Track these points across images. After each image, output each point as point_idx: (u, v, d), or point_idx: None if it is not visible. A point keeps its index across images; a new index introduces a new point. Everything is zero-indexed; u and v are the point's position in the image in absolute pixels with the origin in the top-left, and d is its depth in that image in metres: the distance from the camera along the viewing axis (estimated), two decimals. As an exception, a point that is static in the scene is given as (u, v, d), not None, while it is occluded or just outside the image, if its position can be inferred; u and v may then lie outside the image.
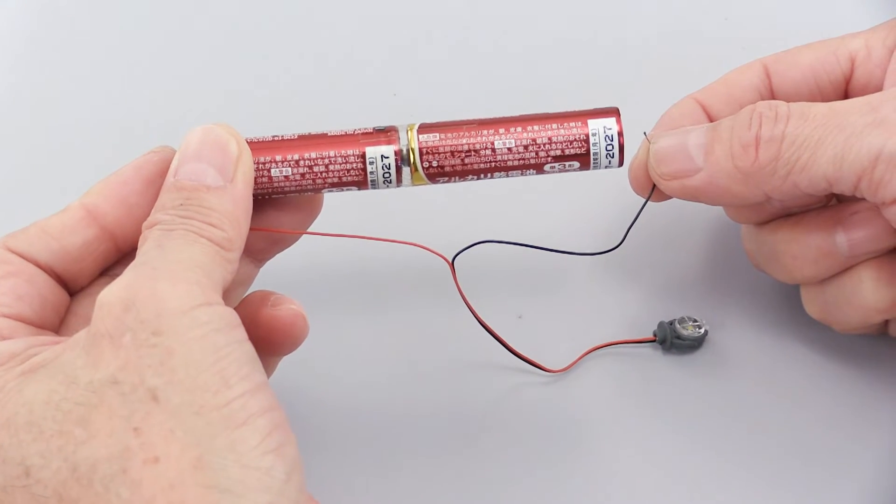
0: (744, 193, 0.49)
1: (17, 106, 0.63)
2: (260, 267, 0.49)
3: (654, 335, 0.54)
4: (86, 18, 0.66)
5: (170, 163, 0.44)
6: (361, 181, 0.47)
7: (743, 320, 0.55)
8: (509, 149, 0.47)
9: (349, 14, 0.66)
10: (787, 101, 0.49)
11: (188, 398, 0.38)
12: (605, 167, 0.48)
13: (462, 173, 0.47)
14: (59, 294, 0.45)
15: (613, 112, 0.47)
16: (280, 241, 0.49)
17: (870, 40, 0.52)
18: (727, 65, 0.54)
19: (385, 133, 0.47)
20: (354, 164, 0.46)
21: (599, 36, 0.65)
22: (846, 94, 0.53)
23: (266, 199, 0.47)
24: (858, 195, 0.47)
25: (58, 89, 0.64)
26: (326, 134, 0.47)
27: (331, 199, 0.49)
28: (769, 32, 0.63)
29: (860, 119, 0.46)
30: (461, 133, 0.47)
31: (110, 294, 0.39)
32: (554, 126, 0.47)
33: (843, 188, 0.47)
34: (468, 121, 0.47)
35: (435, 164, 0.47)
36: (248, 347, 0.40)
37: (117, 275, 0.41)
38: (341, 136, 0.47)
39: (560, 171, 0.48)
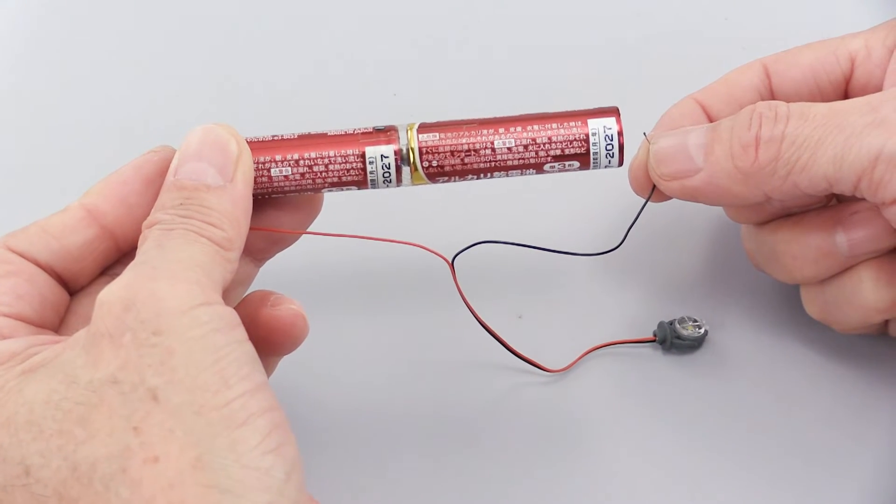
0: (744, 194, 0.49)
1: (17, 106, 0.63)
2: (260, 266, 0.49)
3: (654, 335, 0.54)
4: (86, 18, 0.66)
5: (170, 162, 0.44)
6: (361, 181, 0.47)
7: (743, 320, 0.55)
8: (509, 148, 0.47)
9: (349, 14, 0.66)
10: (787, 101, 0.49)
11: (188, 398, 0.38)
12: (605, 167, 0.48)
13: (462, 173, 0.47)
14: (59, 293, 0.45)
15: (613, 112, 0.47)
16: (280, 241, 0.49)
17: (869, 40, 0.52)
18: (727, 65, 0.54)
19: (385, 133, 0.47)
20: (354, 164, 0.46)
21: (599, 36, 0.65)
22: (846, 94, 0.53)
23: (266, 198, 0.47)
24: (858, 195, 0.47)
25: (58, 89, 0.64)
26: (326, 134, 0.47)
27: (331, 198, 0.49)
28: (769, 32, 0.63)
29: (860, 119, 0.46)
30: (461, 133, 0.47)
31: (110, 293, 0.39)
32: (554, 126, 0.47)
33: (843, 188, 0.47)
34: (468, 120, 0.47)
35: (435, 163, 0.47)
36: (248, 347, 0.40)
37: (117, 274, 0.41)
38: (341, 135, 0.47)
39: (560, 170, 0.48)
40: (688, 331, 0.54)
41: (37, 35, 0.66)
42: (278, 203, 0.48)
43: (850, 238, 0.50)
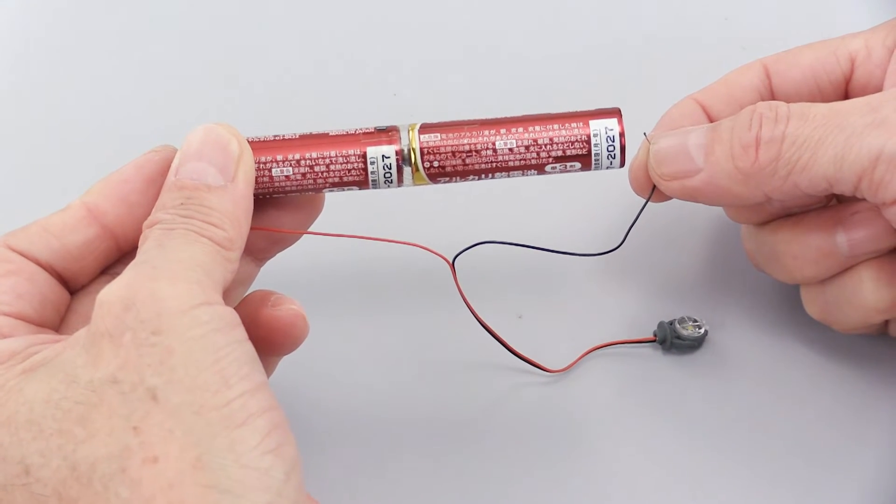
0: (744, 194, 0.49)
1: (17, 106, 0.63)
2: (260, 266, 0.49)
3: (654, 335, 0.54)
4: (86, 18, 0.66)
5: (171, 162, 0.44)
6: (362, 181, 0.47)
7: (743, 320, 0.55)
8: (510, 149, 0.47)
9: (350, 14, 0.66)
10: (788, 101, 0.49)
11: (188, 398, 0.38)
12: (607, 168, 0.48)
13: (463, 173, 0.47)
14: (60, 292, 0.45)
15: (615, 113, 0.47)
16: (281, 241, 0.49)
17: (870, 40, 0.52)
18: (727, 65, 0.54)
19: (386, 133, 0.47)
20: (355, 164, 0.46)
21: (600, 36, 0.65)
22: (846, 95, 0.53)
23: (267, 198, 0.47)
24: (859, 195, 0.47)
25: (58, 89, 0.64)
26: (327, 134, 0.47)
27: (331, 198, 0.49)
28: (769, 32, 0.63)
29: (860, 119, 0.46)
30: (462, 133, 0.47)
31: (110, 293, 0.39)
32: (555, 126, 0.47)
33: (844, 188, 0.47)
34: (469, 121, 0.47)
35: (436, 164, 0.47)
36: (248, 347, 0.40)
37: (118, 273, 0.41)
38: (342, 135, 0.47)
39: (561, 171, 0.48)
40: (688, 331, 0.54)
41: (37, 35, 0.66)
42: (279, 203, 0.48)
43: (850, 238, 0.50)
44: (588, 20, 0.66)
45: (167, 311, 0.39)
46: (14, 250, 0.44)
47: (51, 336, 0.43)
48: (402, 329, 0.55)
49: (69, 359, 0.39)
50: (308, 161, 0.46)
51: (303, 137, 0.47)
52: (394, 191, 0.48)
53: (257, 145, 0.46)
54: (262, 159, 0.46)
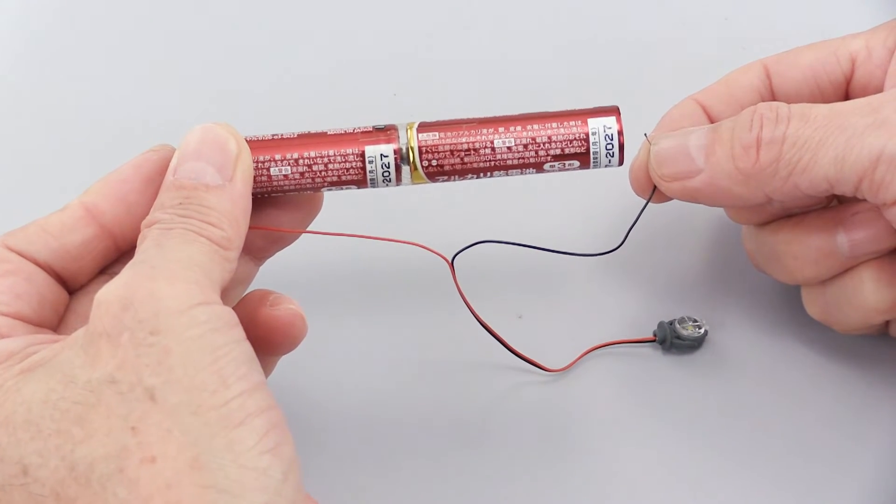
0: (745, 195, 0.49)
1: (17, 106, 0.63)
2: (259, 266, 0.49)
3: (654, 335, 0.54)
4: (86, 18, 0.66)
5: (169, 161, 0.44)
6: (361, 180, 0.47)
7: (743, 320, 0.55)
8: (509, 148, 0.47)
9: (349, 13, 0.66)
10: (788, 101, 0.49)
11: (186, 398, 0.38)
12: (605, 166, 0.47)
13: (462, 172, 0.47)
14: (58, 292, 0.45)
15: (613, 111, 0.47)
16: (279, 240, 0.49)
17: (870, 41, 0.52)
18: (727, 65, 0.54)
19: (384, 132, 0.47)
20: (354, 163, 0.46)
21: (599, 36, 0.65)
22: (847, 95, 0.53)
23: (265, 197, 0.47)
24: (859, 196, 0.47)
25: (58, 89, 0.64)
26: (326, 133, 0.47)
27: (330, 197, 0.49)
28: (769, 32, 0.63)
29: (861, 120, 0.46)
30: (461, 132, 0.47)
31: (108, 293, 0.39)
32: (554, 125, 0.47)
33: (844, 189, 0.47)
34: (468, 119, 0.47)
35: (434, 162, 0.47)
36: (247, 347, 0.40)
37: (116, 273, 0.41)
38: (341, 134, 0.47)
39: (560, 170, 0.48)
40: (688, 331, 0.54)
41: (37, 35, 0.66)
42: (278, 202, 0.48)
43: (851, 239, 0.50)
44: (588, 20, 0.66)
45: (165, 310, 0.39)
46: (12, 250, 0.44)
47: (49, 336, 0.43)
48: (401, 329, 0.55)
49: (67, 359, 0.39)
50: (306, 160, 0.46)
51: (301, 137, 0.47)
52: (392, 190, 0.48)
53: (256, 144, 0.46)
54: (261, 158, 0.46)
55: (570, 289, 0.56)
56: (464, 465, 0.52)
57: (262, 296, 0.45)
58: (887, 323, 0.52)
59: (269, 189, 0.47)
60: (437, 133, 0.47)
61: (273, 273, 0.50)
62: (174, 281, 0.39)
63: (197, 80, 0.64)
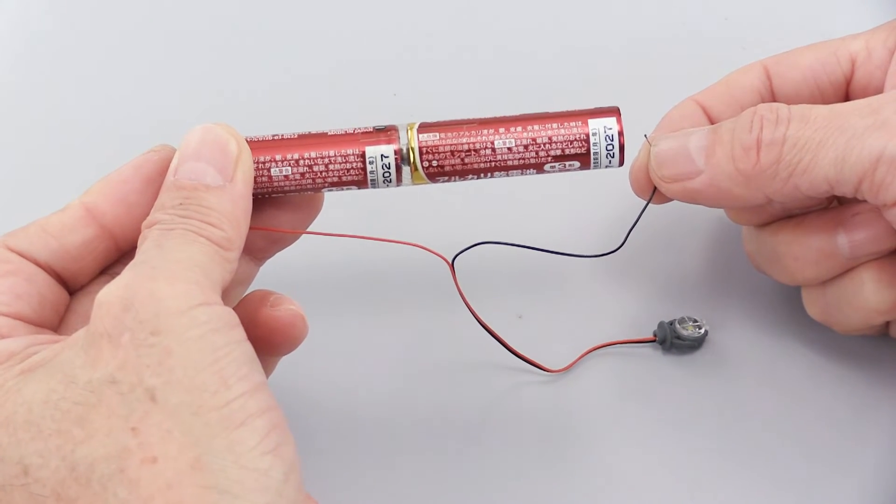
0: (745, 196, 0.49)
1: (17, 106, 0.63)
2: (260, 266, 0.49)
3: (654, 335, 0.54)
4: (86, 18, 0.66)
5: (169, 162, 0.44)
6: (361, 180, 0.47)
7: (743, 321, 0.55)
8: (509, 148, 0.47)
9: (349, 13, 0.66)
10: (788, 102, 0.49)
11: (186, 398, 0.38)
12: (606, 167, 0.47)
13: (462, 173, 0.47)
14: (59, 293, 0.45)
15: (614, 111, 0.47)
16: (280, 241, 0.49)
17: (870, 41, 0.52)
18: (727, 65, 0.54)
19: (385, 132, 0.47)
20: (354, 164, 0.46)
21: (599, 36, 0.65)
22: (847, 96, 0.53)
23: (266, 198, 0.47)
24: (860, 197, 0.47)
25: (58, 89, 0.64)
26: (326, 133, 0.47)
27: (331, 198, 0.49)
28: (769, 32, 0.63)
29: (861, 121, 0.46)
30: (461, 132, 0.47)
31: (109, 293, 0.39)
32: (554, 125, 0.47)
33: (845, 190, 0.47)
34: (468, 120, 0.47)
35: (435, 163, 0.47)
36: (247, 347, 0.40)
37: (117, 273, 0.41)
38: (341, 135, 0.47)
39: (560, 170, 0.48)
40: (688, 331, 0.54)
41: (37, 35, 0.66)
42: (278, 202, 0.48)
43: (851, 239, 0.50)
44: (587, 20, 0.66)
45: (166, 311, 0.39)
46: (13, 250, 0.44)
47: (50, 336, 0.43)
48: (401, 329, 0.55)
49: (68, 359, 0.39)
50: (307, 161, 0.46)
51: (301, 137, 0.47)
52: (393, 190, 0.48)
53: (256, 145, 0.46)
54: (261, 159, 0.46)
55: (570, 289, 0.56)
56: (463, 465, 0.52)
57: (263, 296, 0.45)
58: (887, 323, 0.52)
59: (270, 189, 0.47)
60: (437, 134, 0.47)
61: (273, 273, 0.50)
62: (175, 281, 0.39)
63: (197, 80, 0.64)
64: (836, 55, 0.52)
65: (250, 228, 0.44)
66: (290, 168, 0.46)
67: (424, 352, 0.54)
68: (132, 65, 0.65)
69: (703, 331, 0.54)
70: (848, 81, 0.53)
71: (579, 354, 0.54)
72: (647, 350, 0.54)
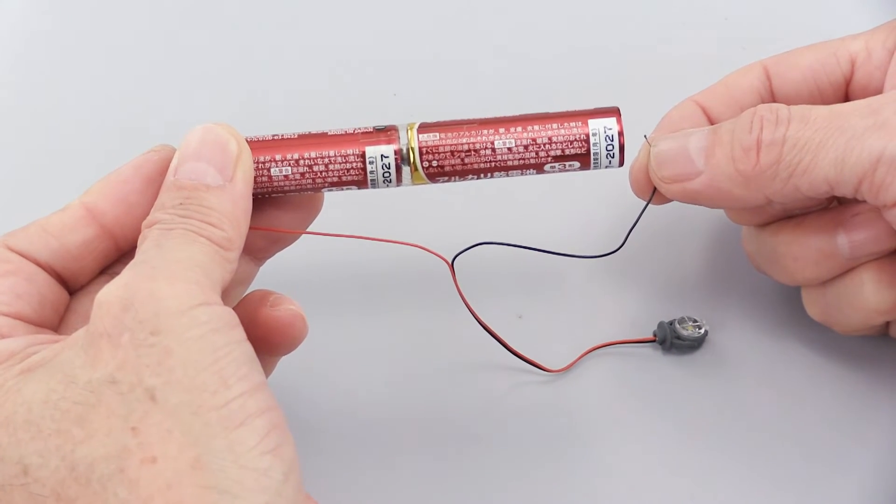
0: (745, 196, 0.49)
1: (17, 106, 0.63)
2: (260, 266, 0.49)
3: (654, 335, 0.54)
4: (86, 18, 0.66)
5: (170, 162, 0.44)
6: (361, 180, 0.47)
7: (743, 321, 0.55)
8: (509, 148, 0.47)
9: (349, 13, 0.66)
10: (788, 102, 0.49)
11: (186, 398, 0.38)
12: (606, 167, 0.47)
13: (462, 173, 0.47)
14: (59, 292, 0.45)
15: (614, 112, 0.47)
16: (280, 240, 0.49)
17: (870, 42, 0.52)
18: (727, 65, 0.54)
19: (385, 132, 0.47)
20: (354, 164, 0.46)
21: (599, 36, 0.65)
22: (846, 96, 0.53)
23: (266, 198, 0.47)
24: (859, 197, 0.47)
25: (58, 89, 0.64)
26: (326, 133, 0.47)
27: (331, 198, 0.49)
28: (769, 32, 0.63)
29: (861, 122, 0.46)
30: (461, 133, 0.47)
31: (109, 293, 0.39)
32: (554, 126, 0.47)
33: (845, 191, 0.47)
34: (468, 120, 0.47)
35: (435, 163, 0.47)
36: (247, 347, 0.40)
37: (117, 273, 0.41)
38: (341, 135, 0.47)
39: (560, 170, 0.48)
40: (688, 331, 0.54)
41: (37, 35, 0.66)
42: (278, 202, 0.48)
43: (851, 240, 0.50)
44: (587, 20, 0.66)
45: (165, 311, 0.39)
46: (13, 250, 0.44)
47: (50, 336, 0.43)
48: (401, 329, 0.55)
49: (68, 359, 0.39)
50: (307, 161, 0.46)
51: (301, 137, 0.47)
52: (393, 190, 0.48)
53: (256, 145, 0.46)
54: (261, 159, 0.46)
55: (570, 289, 0.56)
56: (463, 465, 0.52)
57: (263, 296, 0.45)
58: (887, 324, 0.52)
59: (270, 189, 0.47)
60: (437, 134, 0.47)
61: (273, 273, 0.50)
62: (174, 281, 0.39)
63: (197, 80, 0.64)
64: (836, 55, 0.52)
65: (250, 228, 0.44)
66: (290, 168, 0.46)
67: (424, 352, 0.54)
68: (132, 65, 0.65)
69: (703, 331, 0.54)
70: (848, 82, 0.53)
71: (579, 354, 0.54)
72: (646, 350, 0.54)
